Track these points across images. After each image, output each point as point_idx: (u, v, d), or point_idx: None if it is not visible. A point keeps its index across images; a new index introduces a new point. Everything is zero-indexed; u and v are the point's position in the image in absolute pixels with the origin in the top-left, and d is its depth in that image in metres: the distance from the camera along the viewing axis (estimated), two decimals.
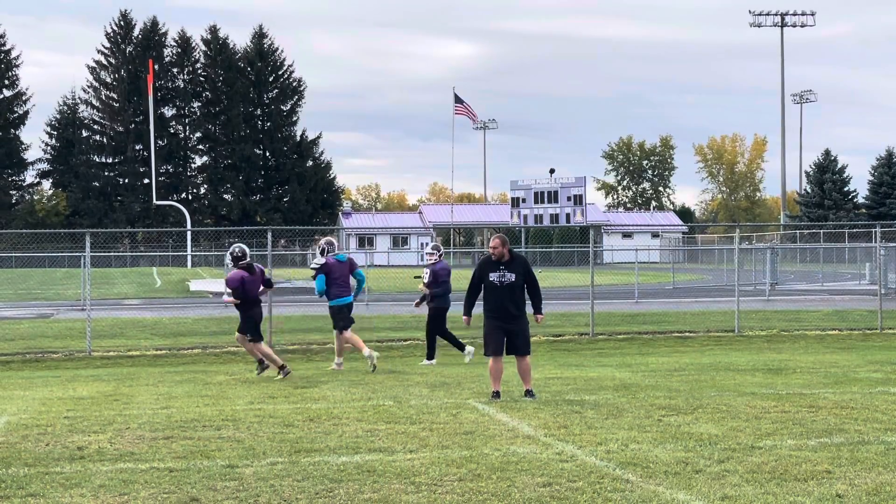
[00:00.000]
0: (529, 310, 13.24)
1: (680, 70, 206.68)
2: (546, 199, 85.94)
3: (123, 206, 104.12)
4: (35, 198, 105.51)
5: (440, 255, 18.19)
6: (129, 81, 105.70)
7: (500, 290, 12.99)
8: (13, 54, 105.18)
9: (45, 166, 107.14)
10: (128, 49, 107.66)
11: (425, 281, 17.98)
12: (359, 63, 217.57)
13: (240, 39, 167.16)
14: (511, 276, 12.95)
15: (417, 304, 18.71)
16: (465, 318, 13.49)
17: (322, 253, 17.19)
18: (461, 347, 18.18)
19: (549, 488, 8.06)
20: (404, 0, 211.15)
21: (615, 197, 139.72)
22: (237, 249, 16.05)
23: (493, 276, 12.99)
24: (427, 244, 18.58)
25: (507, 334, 13.01)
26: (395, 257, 76.75)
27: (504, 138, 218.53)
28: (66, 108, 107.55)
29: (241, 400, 13.39)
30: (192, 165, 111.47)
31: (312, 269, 17.47)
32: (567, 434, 10.43)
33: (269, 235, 22.89)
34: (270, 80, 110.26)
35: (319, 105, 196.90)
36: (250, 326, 15.94)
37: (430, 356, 18.09)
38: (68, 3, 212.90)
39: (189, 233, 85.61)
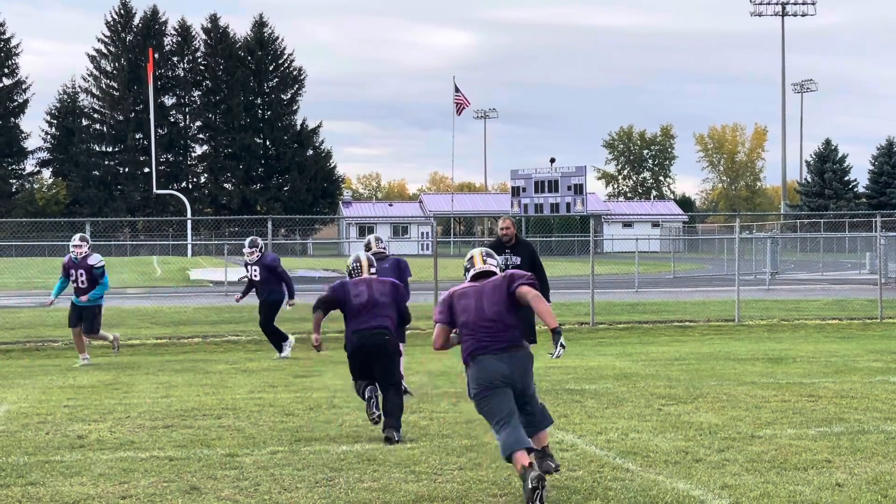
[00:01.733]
0: None
1: (680, 59, 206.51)
2: (546, 189, 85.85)
3: (123, 194, 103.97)
4: (35, 187, 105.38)
5: (261, 249, 17.27)
6: (129, 70, 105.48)
7: None
8: (13, 42, 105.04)
9: (45, 155, 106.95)
10: (128, 38, 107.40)
11: (255, 277, 17.08)
12: (359, 52, 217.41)
13: (240, 28, 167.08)
14: (516, 260, 12.92)
15: (238, 300, 18.02)
16: None
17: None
18: (283, 341, 17.50)
19: (550, 477, 8.06)
20: None
21: (616, 186, 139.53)
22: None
23: (499, 259, 12.96)
24: (247, 242, 17.25)
25: None
26: (395, 246, 76.77)
27: (504, 127, 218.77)
28: (65, 96, 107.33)
29: (242, 389, 13.40)
30: (193, 154, 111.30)
31: (99, 266, 17.00)
32: (567, 423, 10.44)
33: (270, 224, 22.92)
34: (270, 68, 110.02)
35: (320, 94, 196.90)
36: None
37: (281, 347, 17.50)
38: None
39: (189, 222, 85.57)
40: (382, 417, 9.86)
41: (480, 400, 7.84)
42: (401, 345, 11.74)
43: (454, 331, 8.23)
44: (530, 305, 7.99)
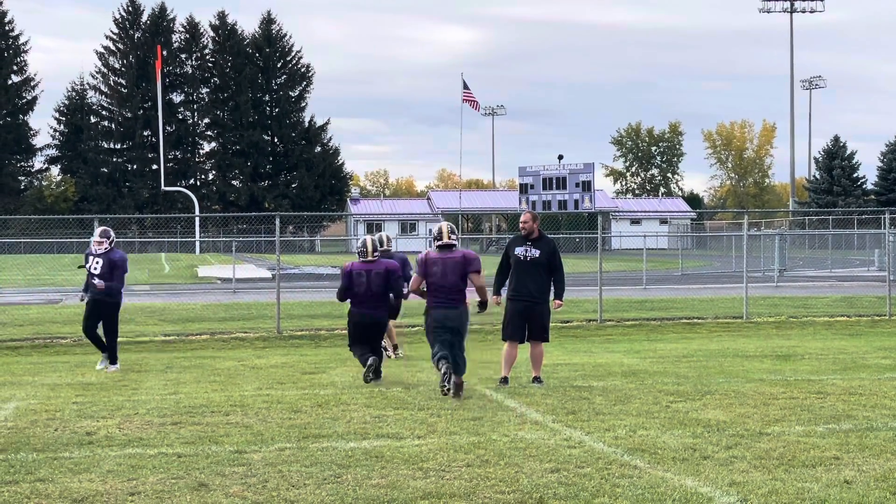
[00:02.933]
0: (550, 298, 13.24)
1: (689, 56, 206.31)
2: (554, 186, 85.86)
3: (132, 192, 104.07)
4: (44, 184, 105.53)
5: (112, 242, 15.52)
6: (137, 67, 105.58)
7: (523, 265, 12.88)
8: (21, 40, 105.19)
9: (53, 152, 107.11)
10: (136, 35, 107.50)
11: (94, 271, 15.28)
12: (367, 49, 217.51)
13: (248, 25, 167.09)
14: (535, 252, 12.90)
15: (83, 299, 15.90)
16: (494, 297, 13.23)
17: None
18: (104, 349, 15.81)
19: (558, 474, 8.07)
20: None
21: (623, 183, 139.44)
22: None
23: (518, 251, 12.93)
24: (98, 231, 15.56)
25: (526, 320, 12.96)
26: (403, 243, 76.77)
27: (512, 124, 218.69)
28: (74, 93, 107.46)
29: (250, 385, 13.42)
30: (201, 151, 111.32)
31: None
32: (575, 420, 10.44)
33: (278, 222, 22.91)
34: (279, 65, 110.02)
35: (327, 91, 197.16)
36: None
37: (115, 360, 15.83)
38: None
39: (197, 219, 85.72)
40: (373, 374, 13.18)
41: (430, 333, 12.22)
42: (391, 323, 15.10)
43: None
44: (476, 284, 12.17)
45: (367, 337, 13.47)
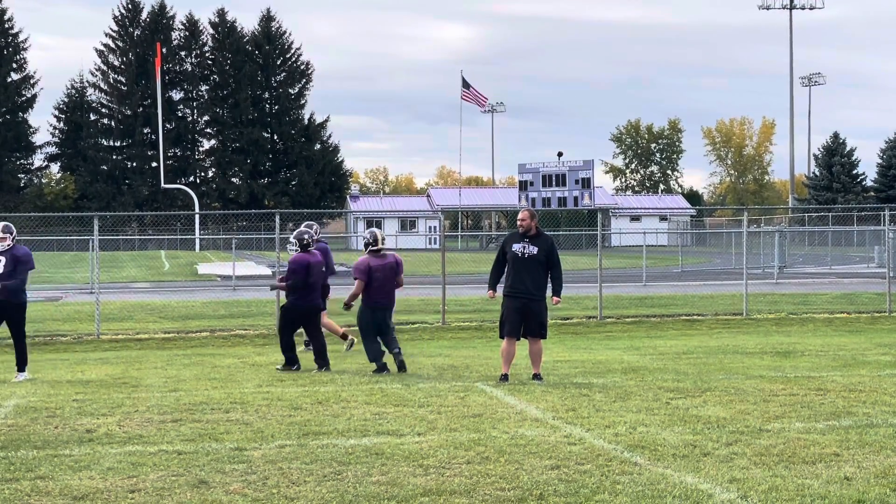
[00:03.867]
0: (549, 294, 13.21)
1: (688, 52, 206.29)
2: (554, 183, 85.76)
3: (131, 189, 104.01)
4: (43, 181, 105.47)
5: (14, 237, 14.24)
6: (136, 65, 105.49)
7: (520, 262, 12.87)
8: (21, 37, 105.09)
9: (53, 150, 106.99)
10: (135, 32, 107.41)
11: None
12: (366, 46, 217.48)
13: (247, 23, 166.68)
14: (533, 249, 12.88)
15: None
16: (489, 291, 13.39)
17: None
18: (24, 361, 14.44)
19: (558, 471, 8.07)
20: None
21: (623, 180, 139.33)
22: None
23: (516, 247, 12.91)
24: None
25: (524, 316, 12.95)
26: (402, 240, 76.78)
27: (512, 121, 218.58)
28: (73, 91, 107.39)
29: (250, 383, 13.42)
30: (200, 149, 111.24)
31: None
32: (575, 417, 10.44)
33: (278, 219, 22.91)
34: (278, 63, 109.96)
35: (327, 88, 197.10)
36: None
37: (23, 366, 14.44)
38: None
39: (197, 216, 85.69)
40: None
41: (368, 324, 14.15)
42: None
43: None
44: (400, 283, 14.50)
45: (312, 322, 14.88)
